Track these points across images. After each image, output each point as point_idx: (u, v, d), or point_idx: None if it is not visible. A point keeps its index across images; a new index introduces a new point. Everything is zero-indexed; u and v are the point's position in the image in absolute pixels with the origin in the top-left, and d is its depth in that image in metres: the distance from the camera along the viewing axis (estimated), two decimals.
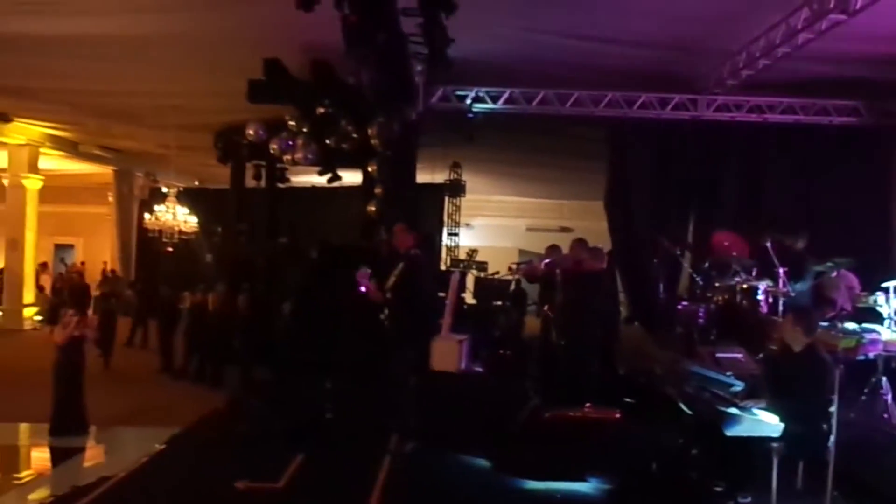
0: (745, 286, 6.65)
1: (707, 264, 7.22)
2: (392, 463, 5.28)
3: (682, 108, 9.10)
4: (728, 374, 5.10)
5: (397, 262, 5.95)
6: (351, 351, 7.73)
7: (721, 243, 7.64)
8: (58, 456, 6.99)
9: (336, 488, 4.86)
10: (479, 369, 9.11)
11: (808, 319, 5.19)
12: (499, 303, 12.58)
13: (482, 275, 16.15)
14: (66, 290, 13.69)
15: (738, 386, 4.83)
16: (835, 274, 6.83)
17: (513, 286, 13.63)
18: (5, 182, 14.76)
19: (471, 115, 9.25)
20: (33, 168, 14.63)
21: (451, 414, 6.59)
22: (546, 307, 7.24)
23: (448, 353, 8.37)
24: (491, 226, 21.12)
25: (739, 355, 5.79)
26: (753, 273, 6.88)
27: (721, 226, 7.95)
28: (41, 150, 14.63)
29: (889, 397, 5.80)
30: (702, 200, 8.78)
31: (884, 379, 5.86)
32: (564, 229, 20.39)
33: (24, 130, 13.93)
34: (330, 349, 8.07)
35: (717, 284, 6.97)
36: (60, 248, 20.27)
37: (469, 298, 13.73)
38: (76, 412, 7.54)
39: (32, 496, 5.98)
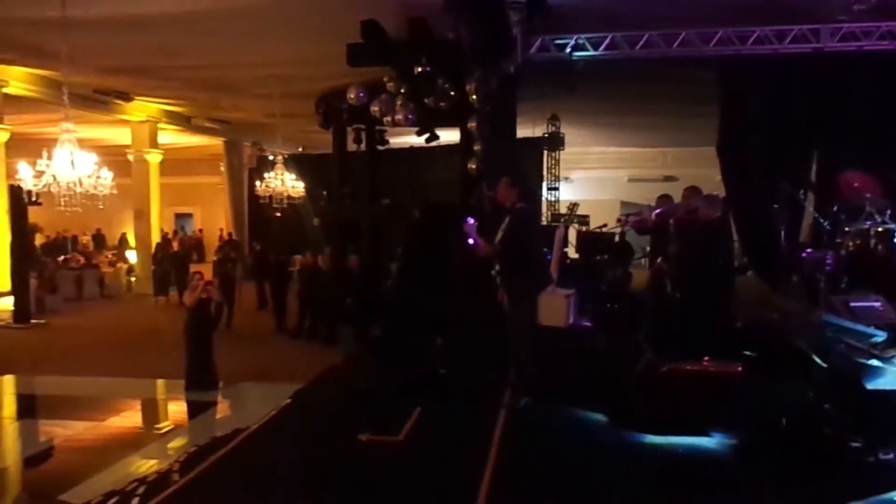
0: (880, 229, 6.15)
1: (835, 207, 6.72)
2: (508, 417, 5.33)
3: (802, 41, 8.38)
4: (866, 323, 4.75)
5: (503, 217, 5.89)
6: (461, 307, 7.83)
7: (850, 184, 7.10)
8: (194, 409, 7.51)
9: (455, 441, 4.97)
10: (587, 324, 9.01)
11: None
12: (603, 256, 12.34)
13: (584, 228, 15.88)
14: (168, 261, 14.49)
15: (880, 336, 4.51)
16: None
17: (617, 239, 13.32)
18: (130, 157, 15.76)
19: (576, 59, 8.91)
20: (153, 143, 15.55)
21: (562, 369, 6.56)
22: (659, 259, 6.99)
23: (556, 308, 8.32)
24: (591, 178, 20.62)
25: (877, 304, 5.40)
26: (888, 215, 6.35)
27: (849, 166, 7.36)
28: (159, 125, 15.50)
29: None
30: (826, 140, 8.12)
31: None
32: (668, 178, 19.59)
33: (143, 108, 14.79)
34: (439, 306, 8.20)
35: (847, 229, 6.48)
36: (180, 217, 21.57)
37: (572, 253, 13.55)
38: (207, 369, 8.07)
39: (174, 445, 6.45)
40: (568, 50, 9.02)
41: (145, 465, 5.18)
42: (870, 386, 4.25)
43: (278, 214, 15.89)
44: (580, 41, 9.03)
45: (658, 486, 4.32)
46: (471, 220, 6.04)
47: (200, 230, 20.46)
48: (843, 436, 4.63)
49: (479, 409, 5.58)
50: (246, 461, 4.79)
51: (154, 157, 15.78)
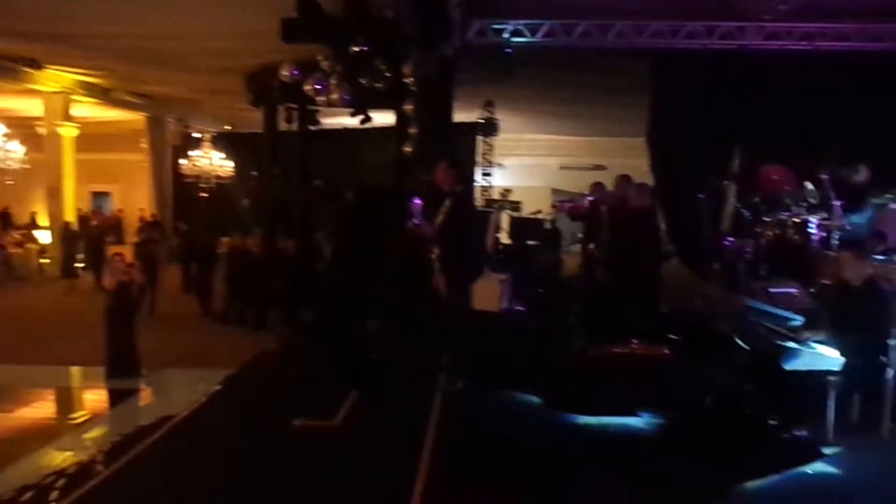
0: (796, 220, 6.48)
1: (756, 199, 7.03)
2: (444, 400, 5.35)
3: (729, 37, 8.71)
4: (784, 308, 5.00)
5: (442, 201, 5.87)
6: (396, 291, 7.78)
7: (769, 177, 7.43)
8: (116, 397, 7.20)
9: (391, 425, 4.95)
10: (520, 308, 9.14)
11: (867, 253, 5.09)
12: (534, 242, 12.56)
13: (516, 215, 16.10)
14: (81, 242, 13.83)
15: (797, 320, 4.76)
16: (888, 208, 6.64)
17: (548, 225, 13.58)
18: (41, 131, 14.86)
19: (509, 51, 8.96)
20: (67, 116, 14.67)
21: (497, 352, 6.64)
22: (592, 245, 7.16)
23: (490, 292, 8.39)
24: (523, 165, 20.85)
25: (794, 290, 5.70)
26: (803, 207, 6.69)
27: (769, 159, 7.71)
28: (73, 97, 14.64)
29: None
30: (749, 133, 8.48)
31: None
32: (598, 167, 20.02)
33: (56, 77, 13.91)
34: (373, 290, 8.13)
35: (766, 219, 6.80)
36: (97, 196, 20.49)
37: (504, 238, 13.73)
38: (130, 355, 7.74)
39: (93, 435, 6.19)
40: (506, 35, 9.06)
41: (61, 458, 4.96)
42: (787, 367, 4.47)
43: (204, 195, 15.37)
44: (518, 27, 9.09)
45: (591, 464, 4.44)
46: (417, 201, 6.02)
47: (120, 210, 19.51)
48: (761, 414, 4.87)
49: (415, 393, 5.58)
50: (175, 450, 4.63)
51: (68, 131, 14.90)
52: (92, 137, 17.04)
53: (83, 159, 16.18)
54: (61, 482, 4.16)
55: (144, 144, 17.62)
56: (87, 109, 15.82)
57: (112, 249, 16.92)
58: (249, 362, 6.80)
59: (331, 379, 5.89)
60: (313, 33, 9.15)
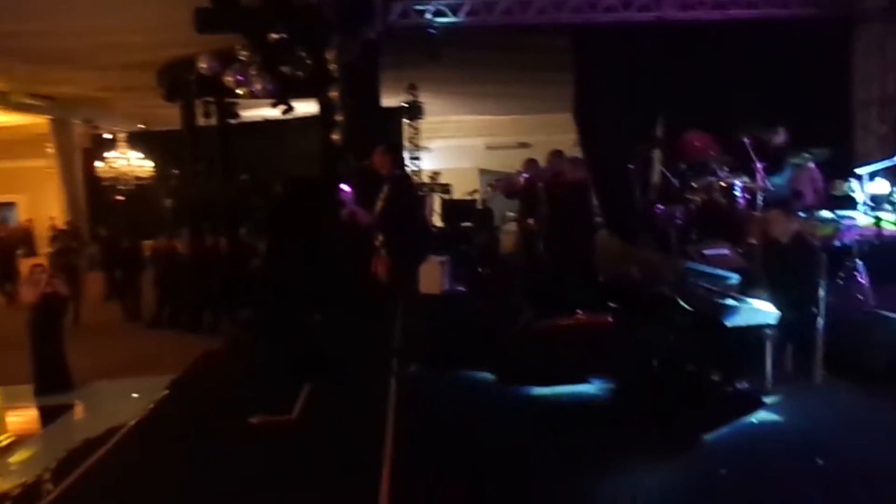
0: (723, 184, 6.76)
1: (683, 166, 7.29)
2: (399, 385, 5.35)
3: (645, 10, 8.97)
4: (720, 269, 5.23)
5: (381, 186, 5.81)
6: (336, 281, 7.68)
7: (692, 144, 7.70)
8: (50, 414, 6.86)
9: (349, 414, 4.91)
10: (461, 289, 9.21)
11: (793, 210, 5.38)
12: (467, 223, 12.65)
13: (447, 197, 16.14)
14: None
15: (734, 278, 4.99)
16: (804, 167, 7.02)
17: (479, 205, 13.69)
18: None
19: (433, 31, 8.93)
20: None
21: (445, 333, 6.67)
22: (531, 221, 7.26)
23: (430, 274, 8.40)
24: (449, 147, 20.86)
25: (726, 251, 5.95)
26: (728, 171, 6.97)
27: (691, 126, 7.99)
28: None
29: (864, 280, 6.07)
30: (670, 102, 8.77)
31: (859, 262, 6.11)
32: (523, 144, 20.25)
33: None
34: (312, 282, 8.00)
35: (694, 185, 7.06)
36: (1, 207, 19.21)
37: (436, 221, 13.74)
38: (59, 369, 7.40)
39: (31, 454, 5.88)
40: (428, 16, 9.02)
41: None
42: (728, 323, 4.68)
43: (121, 197, 14.71)
44: (440, 7, 9.07)
45: (549, 432, 4.54)
46: (346, 189, 5.93)
47: (29, 220, 18.35)
48: (704, 371, 5.09)
49: (369, 381, 5.54)
50: (128, 459, 4.45)
51: None
52: None
53: None
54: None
55: (50, 149, 16.64)
56: None
57: (24, 262, 16.07)
58: (195, 364, 6.59)
59: (282, 374, 5.77)
60: (229, 23, 8.87)
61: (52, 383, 7.26)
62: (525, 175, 7.50)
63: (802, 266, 4.92)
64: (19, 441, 6.48)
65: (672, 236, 7.33)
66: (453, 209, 13.82)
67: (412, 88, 15.09)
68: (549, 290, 6.89)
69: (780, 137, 6.55)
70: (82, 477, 4.10)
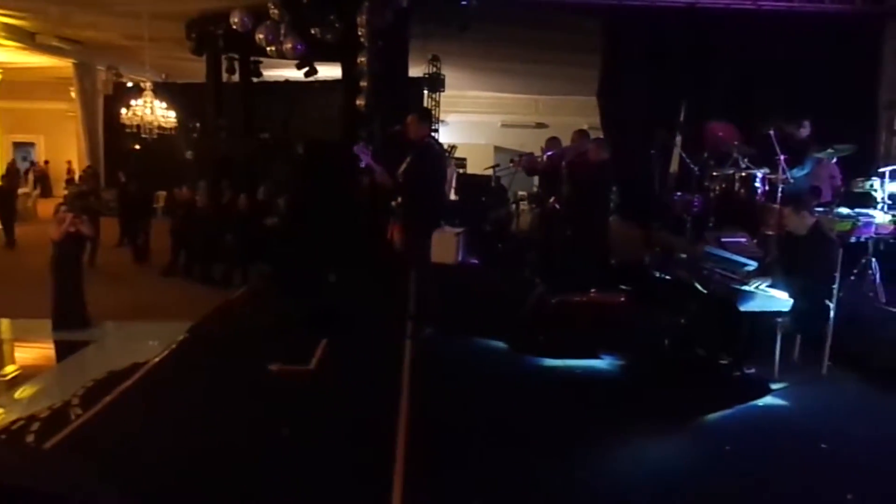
0: (743, 174, 6.80)
1: (705, 154, 7.32)
2: (414, 346, 5.47)
3: None
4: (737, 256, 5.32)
5: (409, 152, 5.88)
6: (353, 243, 7.81)
7: (715, 134, 7.72)
8: (65, 349, 6.99)
9: (366, 369, 5.04)
10: (475, 262, 9.32)
11: (808, 203, 5.44)
12: (482, 198, 12.72)
13: (461, 171, 16.17)
14: None
15: (751, 265, 5.08)
16: (823, 163, 7.06)
17: (493, 182, 13.74)
18: None
19: (465, 2, 8.93)
20: None
21: (460, 302, 6.79)
22: (552, 199, 7.33)
23: (446, 245, 8.52)
24: (466, 122, 20.87)
25: (743, 239, 6.03)
26: (746, 161, 7.00)
27: (715, 115, 8.00)
28: None
29: (877, 277, 6.16)
30: (695, 89, 8.78)
31: (873, 260, 6.20)
32: (540, 125, 20.28)
33: None
34: (329, 242, 8.12)
35: (714, 174, 7.10)
36: (20, 146, 19.33)
37: (451, 195, 13.80)
38: (76, 306, 7.54)
39: (37, 390, 6.00)
40: None
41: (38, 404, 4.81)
42: (742, 308, 4.78)
43: (138, 147, 14.77)
44: None
45: (561, 402, 4.67)
46: (360, 144, 6.02)
47: (46, 161, 18.46)
48: (713, 355, 5.21)
49: (384, 339, 5.67)
50: (153, 392, 4.60)
51: None
52: (14, 85, 16.05)
53: (5, 108, 15.26)
54: (37, 426, 4.08)
55: (73, 93, 16.68)
56: (9, 54, 14.84)
57: (41, 202, 16.23)
58: (214, 311, 6.72)
59: (299, 327, 5.90)
60: None
61: (69, 319, 7.39)
62: (549, 153, 7.55)
63: (818, 258, 5.01)
64: (29, 374, 6.60)
65: (688, 223, 7.40)
66: (468, 184, 13.89)
67: (435, 60, 15.08)
68: (564, 267, 6.98)
69: (804, 131, 6.58)
70: (107, 406, 4.25)
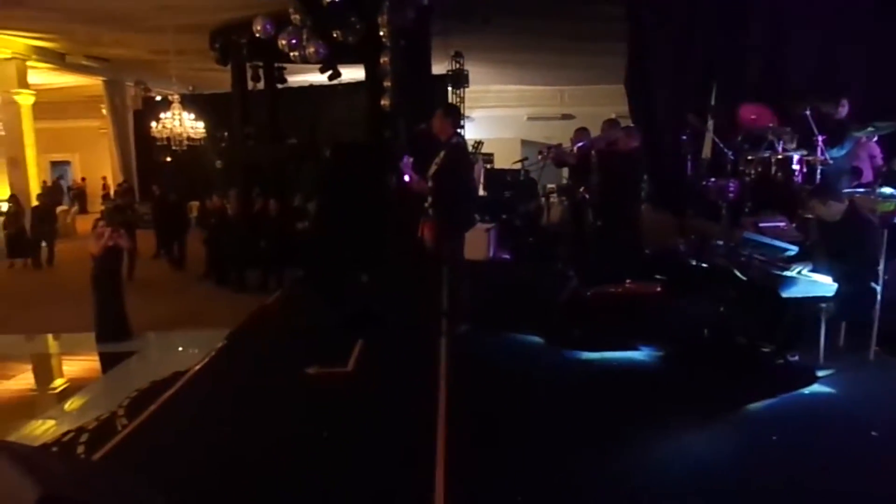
0: (780, 157, 6.64)
1: (739, 138, 7.16)
2: (449, 344, 5.46)
3: None
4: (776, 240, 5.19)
5: (437, 152, 5.87)
6: (385, 244, 7.83)
7: (748, 116, 7.55)
8: (113, 360, 7.15)
9: (403, 369, 5.05)
10: (506, 257, 9.28)
11: (832, 189, 5.29)
12: (507, 193, 12.66)
13: (489, 166, 16.12)
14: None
15: (792, 250, 4.96)
16: (863, 142, 6.85)
17: (522, 176, 13.68)
18: None
19: None
20: (23, 83, 14.11)
21: (493, 298, 6.77)
22: (581, 189, 7.26)
23: (477, 241, 8.49)
24: (491, 117, 20.82)
25: (782, 224, 5.89)
26: (783, 143, 6.83)
27: (746, 98, 7.83)
28: (28, 63, 14.07)
29: None
30: (726, 71, 8.59)
31: None
32: (566, 116, 20.12)
33: (8, 43, 13.35)
34: (361, 244, 8.16)
35: (749, 158, 6.94)
36: (57, 165, 19.83)
37: (480, 190, 13.77)
38: (118, 318, 7.71)
39: (103, 393, 6.13)
40: None
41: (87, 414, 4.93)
42: (784, 295, 4.67)
43: (169, 159, 15.04)
44: None
45: (599, 395, 4.62)
46: (407, 158, 6.01)
47: (83, 179, 18.91)
48: (755, 343, 5.09)
49: (419, 338, 5.67)
50: (195, 400, 4.67)
51: (25, 99, 14.34)
52: (48, 105, 16.48)
53: (40, 128, 15.65)
54: (85, 437, 4.18)
55: (104, 110, 17.05)
56: (42, 76, 15.24)
57: (79, 218, 16.62)
58: (250, 318, 6.80)
59: (335, 329, 5.94)
60: None
61: (111, 331, 7.56)
62: (579, 144, 7.47)
63: (857, 240, 4.86)
64: (76, 386, 6.76)
65: (723, 209, 7.25)
66: (496, 178, 13.85)
67: (457, 56, 15.05)
68: (597, 259, 6.91)
69: (843, 110, 6.39)
70: (152, 415, 4.32)
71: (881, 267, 4.87)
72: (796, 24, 7.89)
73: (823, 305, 4.82)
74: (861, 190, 6.12)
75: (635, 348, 5.43)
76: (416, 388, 4.57)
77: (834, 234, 5.12)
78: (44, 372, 7.51)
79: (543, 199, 11.21)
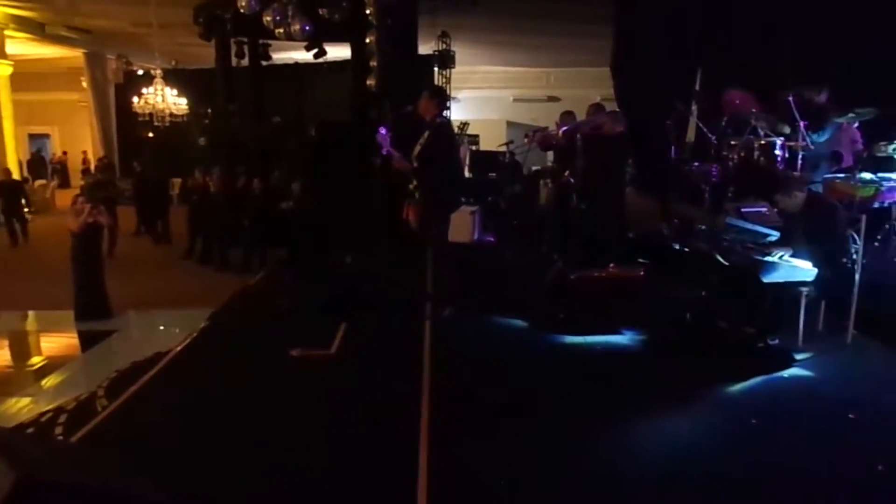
0: (763, 142, 6.65)
1: (723, 122, 7.17)
2: (433, 327, 5.47)
3: None
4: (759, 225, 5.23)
5: (421, 132, 5.82)
6: (369, 224, 7.80)
7: (732, 101, 7.56)
8: (89, 339, 7.08)
9: (386, 352, 5.05)
10: (491, 239, 9.29)
11: (787, 185, 5.37)
12: (494, 174, 12.64)
13: (474, 148, 16.07)
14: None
15: (774, 235, 5.00)
16: (843, 127, 6.89)
17: (506, 158, 13.65)
18: None
19: None
20: (1, 53, 13.80)
21: (477, 280, 6.78)
22: (567, 173, 7.25)
23: (461, 223, 8.49)
24: (477, 98, 20.70)
25: (764, 209, 5.90)
26: (768, 129, 6.85)
27: (732, 82, 7.83)
28: (6, 32, 13.73)
29: None
30: (709, 59, 8.58)
31: None
32: (551, 98, 20.06)
33: None
34: (345, 225, 8.12)
35: (732, 142, 6.95)
36: (35, 138, 19.45)
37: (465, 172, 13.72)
38: (98, 297, 7.62)
39: (74, 374, 6.08)
40: None
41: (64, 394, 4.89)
42: (767, 279, 4.72)
43: (151, 135, 14.82)
44: None
45: (583, 379, 4.66)
46: (383, 131, 5.94)
47: (65, 153, 18.58)
48: (737, 326, 5.15)
49: (403, 321, 5.67)
50: (177, 381, 4.64)
51: (3, 70, 14.04)
52: (26, 76, 16.10)
53: (18, 100, 15.34)
54: (64, 417, 4.14)
55: (84, 83, 16.73)
56: (21, 46, 14.90)
57: (60, 193, 16.36)
58: (232, 298, 6.76)
59: (319, 310, 5.92)
60: None
61: (91, 310, 7.48)
62: (564, 128, 7.46)
63: (823, 225, 4.94)
64: (55, 364, 6.69)
65: (706, 193, 7.28)
66: (481, 160, 13.82)
67: (444, 37, 14.92)
68: (581, 243, 6.92)
69: (823, 96, 6.43)
70: (133, 396, 4.29)
71: (857, 248, 4.94)
72: (780, 12, 7.90)
73: (803, 289, 4.89)
74: (841, 175, 6.17)
75: (618, 332, 5.48)
76: (400, 372, 4.58)
77: (799, 224, 5.20)
78: (21, 349, 7.40)
79: (529, 182, 11.19)
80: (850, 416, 3.96)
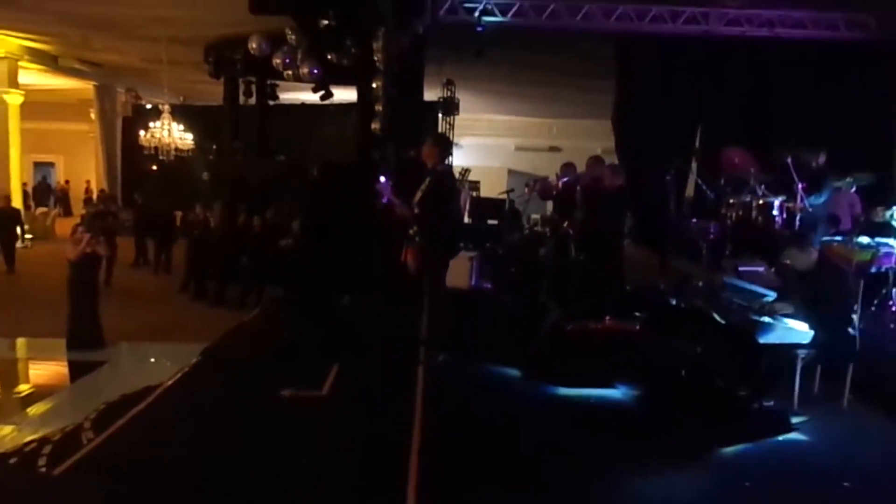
0: (760, 202, 6.74)
1: (722, 181, 7.27)
2: (427, 373, 5.42)
3: (693, 22, 8.97)
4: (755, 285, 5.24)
5: (424, 177, 5.88)
6: (368, 267, 7.80)
7: (731, 161, 7.67)
8: (79, 369, 7.01)
9: (378, 395, 4.99)
10: (488, 286, 9.28)
11: (802, 241, 5.39)
12: (494, 221, 12.71)
13: (475, 194, 16.20)
14: None
15: (770, 296, 5.00)
16: (843, 191, 6.99)
17: (507, 206, 13.76)
18: None
19: (481, 28, 9.00)
20: (13, 83, 14.02)
21: (473, 328, 6.75)
22: (566, 224, 7.31)
23: (459, 269, 8.48)
24: (480, 145, 20.96)
25: (761, 269, 5.94)
26: (764, 188, 6.94)
27: (730, 141, 7.97)
28: (20, 63, 13.99)
29: None
30: (711, 116, 8.76)
31: (894, 290, 6.10)
32: (553, 148, 20.33)
33: (2, 42, 13.28)
34: (343, 266, 8.11)
35: (731, 201, 7.04)
36: (41, 166, 19.61)
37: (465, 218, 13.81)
38: (92, 326, 7.58)
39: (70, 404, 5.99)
40: (477, 14, 9.09)
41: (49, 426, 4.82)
42: (761, 340, 4.71)
43: (155, 168, 14.94)
44: (489, 6, 9.14)
45: (574, 432, 4.60)
46: (383, 180, 5.99)
47: (67, 181, 18.72)
48: (732, 386, 5.11)
49: (397, 365, 5.63)
50: (165, 416, 4.57)
51: (14, 99, 14.23)
52: (36, 105, 16.33)
53: (26, 128, 15.51)
54: (48, 448, 4.07)
55: (92, 114, 16.95)
56: (33, 76, 15.15)
57: (60, 222, 16.42)
58: (227, 334, 6.72)
59: (312, 350, 5.88)
60: (283, 5, 9.00)
61: (83, 339, 7.43)
62: (564, 179, 7.55)
63: (832, 289, 4.94)
64: (42, 393, 6.60)
65: (704, 250, 7.32)
66: (482, 207, 13.91)
67: (450, 84, 15.18)
68: (578, 294, 6.93)
69: (821, 159, 6.54)
70: (120, 429, 4.23)
71: (856, 315, 4.94)
72: (779, 76, 8.11)
73: (800, 352, 4.87)
74: (839, 238, 6.22)
75: (612, 386, 5.43)
76: (391, 417, 4.52)
77: (808, 284, 5.20)
78: (8, 375, 7.31)
79: (528, 230, 11.26)
80: (845, 483, 3.90)
